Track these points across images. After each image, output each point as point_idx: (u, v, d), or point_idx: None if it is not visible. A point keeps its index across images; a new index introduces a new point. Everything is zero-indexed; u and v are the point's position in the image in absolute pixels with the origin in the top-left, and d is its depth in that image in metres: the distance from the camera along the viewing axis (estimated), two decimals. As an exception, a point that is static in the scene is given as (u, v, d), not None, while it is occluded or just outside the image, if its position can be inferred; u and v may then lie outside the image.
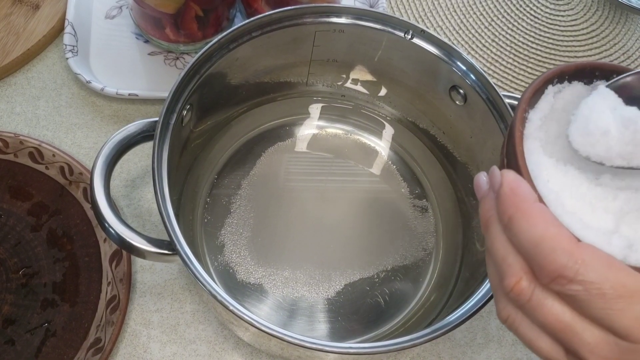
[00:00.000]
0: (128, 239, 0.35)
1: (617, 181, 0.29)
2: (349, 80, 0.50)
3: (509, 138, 0.29)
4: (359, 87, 0.51)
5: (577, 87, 0.31)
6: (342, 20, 0.44)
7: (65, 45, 0.53)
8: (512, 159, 0.28)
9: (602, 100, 0.28)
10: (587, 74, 0.31)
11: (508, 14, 0.64)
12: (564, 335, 0.25)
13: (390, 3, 0.64)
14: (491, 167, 0.28)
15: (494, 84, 0.41)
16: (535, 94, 0.30)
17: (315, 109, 0.52)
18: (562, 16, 0.64)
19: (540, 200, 0.27)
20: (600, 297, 0.23)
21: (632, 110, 0.28)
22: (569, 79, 0.31)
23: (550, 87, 0.30)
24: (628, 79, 0.30)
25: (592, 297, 0.23)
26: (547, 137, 0.30)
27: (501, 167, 0.28)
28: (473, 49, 0.61)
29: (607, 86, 0.29)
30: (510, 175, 0.26)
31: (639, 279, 0.24)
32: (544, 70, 0.60)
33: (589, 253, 0.24)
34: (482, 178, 0.28)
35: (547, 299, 0.25)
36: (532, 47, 0.62)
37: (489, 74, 0.60)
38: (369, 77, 0.49)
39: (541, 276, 0.25)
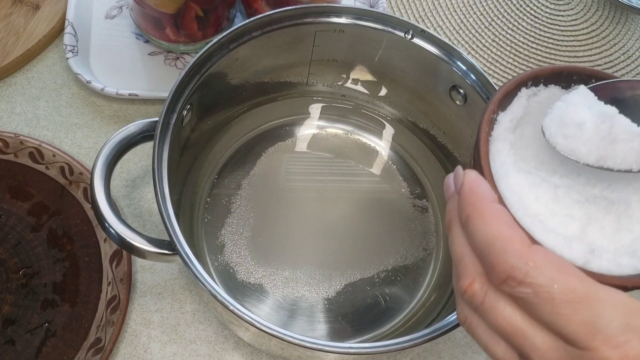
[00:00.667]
0: (128, 239, 0.35)
1: (589, 188, 0.29)
2: (349, 80, 0.50)
3: (476, 139, 0.28)
4: (359, 87, 0.51)
5: (554, 90, 0.31)
6: (342, 20, 0.44)
7: (66, 45, 0.53)
8: (476, 159, 0.28)
9: (580, 97, 0.28)
10: (565, 78, 0.30)
11: (508, 14, 0.64)
12: (516, 340, 0.24)
13: (390, 3, 0.64)
14: (456, 167, 0.28)
15: (494, 84, 0.41)
16: (506, 96, 0.30)
17: (315, 109, 0.52)
18: (562, 16, 0.64)
19: (501, 201, 0.26)
20: (549, 301, 0.23)
21: (610, 107, 0.27)
22: (544, 83, 0.30)
23: (524, 89, 0.30)
24: (611, 83, 0.30)
25: (541, 301, 0.23)
26: (521, 140, 0.30)
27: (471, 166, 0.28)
28: (473, 49, 0.61)
29: (588, 87, 0.29)
30: (471, 174, 0.26)
31: (590, 285, 0.23)
32: (544, 70, 0.60)
33: (541, 256, 0.23)
34: (450, 178, 0.28)
35: (499, 302, 0.24)
36: (532, 47, 0.62)
37: (489, 74, 0.60)
38: (369, 77, 0.49)
39: (492, 277, 0.24)
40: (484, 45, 0.62)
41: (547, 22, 0.63)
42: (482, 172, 0.27)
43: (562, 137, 0.27)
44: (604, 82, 0.30)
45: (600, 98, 0.28)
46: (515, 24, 0.63)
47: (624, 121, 0.27)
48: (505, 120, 0.30)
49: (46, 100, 0.53)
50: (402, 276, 0.46)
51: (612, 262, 0.26)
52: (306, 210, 0.48)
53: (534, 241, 0.25)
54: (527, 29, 0.63)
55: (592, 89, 0.29)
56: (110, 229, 0.35)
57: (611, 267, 0.26)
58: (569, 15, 0.64)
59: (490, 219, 0.25)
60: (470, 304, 0.26)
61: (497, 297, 0.24)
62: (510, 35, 0.62)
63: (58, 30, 0.56)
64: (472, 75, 0.42)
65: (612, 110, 0.27)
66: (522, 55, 0.61)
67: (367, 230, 0.47)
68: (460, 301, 0.26)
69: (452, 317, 0.34)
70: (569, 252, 0.26)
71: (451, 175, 0.28)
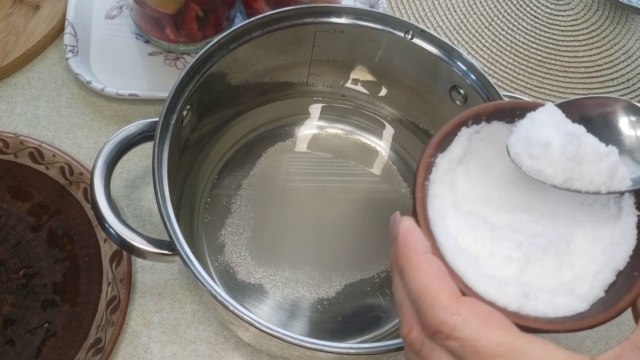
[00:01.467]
0: (128, 239, 0.35)
1: (532, 225, 0.29)
2: (349, 81, 0.50)
3: (412, 184, 0.28)
4: (359, 87, 0.51)
5: (497, 126, 0.30)
6: (342, 20, 0.44)
7: (66, 45, 0.53)
8: (413, 205, 0.28)
9: (547, 115, 0.28)
10: (507, 113, 0.30)
11: (508, 14, 0.64)
12: None
13: (390, 3, 0.64)
14: (394, 213, 0.28)
15: (494, 84, 0.41)
16: (445, 138, 0.29)
17: (315, 109, 0.52)
18: (562, 16, 0.64)
19: (436, 247, 0.27)
20: (475, 354, 0.23)
21: (577, 127, 0.27)
22: (487, 120, 0.30)
23: (464, 129, 0.29)
24: (578, 100, 0.29)
25: (468, 354, 0.23)
26: (465, 177, 0.30)
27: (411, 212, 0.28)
28: (473, 49, 0.61)
29: (555, 105, 0.28)
30: (405, 223, 0.26)
31: (516, 337, 0.23)
32: (544, 70, 0.60)
33: (467, 309, 0.24)
34: (391, 220, 0.28)
35: (434, 351, 0.25)
36: (532, 47, 0.62)
37: (489, 74, 0.60)
38: (369, 77, 0.49)
39: (424, 329, 0.25)
40: (484, 45, 0.62)
41: (547, 22, 0.63)
42: (417, 219, 0.27)
43: (528, 157, 0.27)
44: (571, 99, 0.29)
45: (568, 116, 0.28)
46: (515, 24, 0.63)
47: (591, 141, 0.26)
48: (444, 162, 0.29)
49: (46, 100, 0.53)
50: (402, 276, 0.46)
51: (548, 303, 0.26)
52: (306, 210, 0.48)
53: (466, 288, 0.26)
54: (527, 29, 0.63)
55: (560, 106, 0.28)
56: (110, 229, 0.35)
57: (546, 310, 0.26)
58: (569, 15, 0.64)
59: (420, 271, 0.25)
60: (410, 349, 0.26)
61: (432, 346, 0.25)
62: (510, 35, 0.62)
63: (58, 31, 0.56)
64: (472, 75, 0.42)
65: (580, 129, 0.27)
66: (522, 56, 0.61)
67: (367, 230, 0.47)
68: (404, 344, 0.27)
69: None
70: (503, 297, 0.26)
71: (393, 216, 0.28)
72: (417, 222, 0.27)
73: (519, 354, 0.23)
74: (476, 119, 0.30)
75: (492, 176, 0.30)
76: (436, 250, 0.27)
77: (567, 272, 0.28)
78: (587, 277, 0.27)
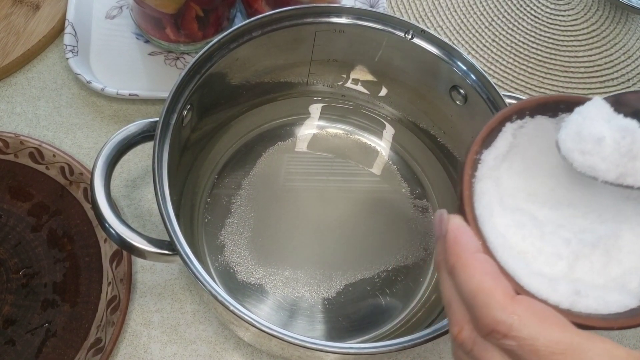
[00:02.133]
0: (128, 239, 0.35)
1: (579, 220, 0.28)
2: (350, 80, 0.50)
3: (459, 181, 0.28)
4: (360, 87, 0.51)
5: (541, 120, 0.30)
6: (343, 20, 0.44)
7: (66, 45, 0.53)
8: (460, 203, 0.28)
9: (596, 110, 0.27)
10: (551, 107, 0.30)
11: (508, 13, 0.64)
12: None
13: (390, 3, 0.64)
14: (440, 211, 0.27)
15: (494, 84, 0.41)
16: (490, 134, 0.29)
17: (315, 109, 0.52)
18: (562, 16, 0.64)
19: (486, 246, 0.26)
20: (534, 353, 0.23)
21: (630, 121, 0.26)
22: (530, 114, 0.30)
23: (508, 124, 0.29)
24: (624, 95, 0.29)
25: (526, 353, 0.23)
26: (509, 172, 0.29)
27: (456, 209, 0.28)
28: (473, 49, 0.61)
29: (603, 99, 0.28)
30: (455, 221, 0.26)
31: (574, 335, 0.23)
32: (544, 70, 0.60)
33: (524, 307, 0.24)
34: (437, 217, 0.28)
35: (487, 351, 0.25)
36: (532, 47, 0.62)
37: (489, 74, 0.60)
38: (369, 77, 0.49)
39: (478, 329, 0.25)
40: (484, 45, 0.62)
41: (547, 22, 0.63)
42: (465, 217, 0.27)
43: (580, 154, 0.26)
44: (616, 93, 0.29)
45: (615, 110, 0.27)
46: (515, 24, 0.63)
47: None
48: (489, 158, 0.29)
49: (46, 100, 0.53)
50: (402, 276, 0.46)
51: (599, 300, 0.26)
52: (306, 210, 0.48)
53: (518, 287, 0.25)
54: (527, 29, 0.63)
55: (608, 101, 0.28)
56: (111, 229, 0.35)
57: (598, 306, 0.25)
58: (569, 15, 0.64)
59: (473, 271, 0.25)
60: (461, 349, 0.26)
61: (485, 345, 0.25)
62: (510, 35, 0.62)
63: (58, 30, 0.56)
64: (472, 75, 0.42)
65: (633, 124, 0.26)
66: (522, 56, 0.61)
67: (367, 230, 0.47)
68: (454, 342, 0.27)
69: (453, 317, 0.34)
70: (554, 295, 0.26)
71: (438, 214, 0.28)
72: (466, 220, 0.27)
73: (579, 351, 0.23)
74: (520, 114, 0.29)
75: (536, 171, 0.30)
76: (486, 249, 0.26)
77: (615, 267, 0.27)
78: (636, 272, 0.27)
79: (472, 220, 0.27)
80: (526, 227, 0.28)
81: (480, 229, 0.27)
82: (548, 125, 0.30)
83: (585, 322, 0.25)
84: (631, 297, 0.26)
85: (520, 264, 0.26)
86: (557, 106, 0.30)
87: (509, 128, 0.29)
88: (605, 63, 0.62)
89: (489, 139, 0.29)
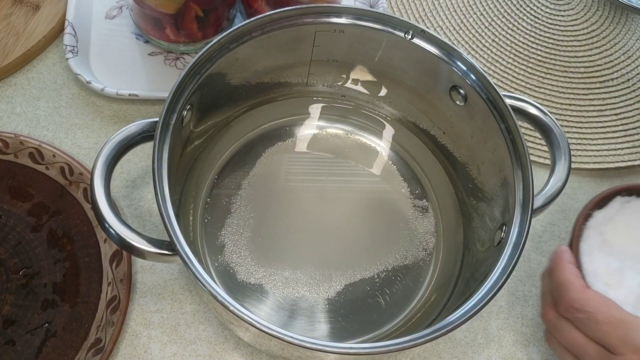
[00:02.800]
0: (128, 240, 0.35)
1: None
2: (349, 81, 0.50)
3: (573, 227, 0.42)
4: (359, 87, 0.51)
5: None
6: (342, 20, 0.44)
7: (66, 45, 0.53)
8: (571, 240, 0.42)
9: None
10: None
11: (508, 14, 0.64)
12: (577, 350, 0.37)
13: (390, 3, 0.64)
14: (559, 247, 0.41)
15: (494, 84, 0.41)
16: (603, 199, 0.43)
17: (315, 109, 0.52)
18: (562, 16, 0.64)
19: (580, 268, 0.40)
20: (596, 322, 0.36)
21: None
22: (637, 195, 0.44)
23: (618, 197, 0.43)
24: None
25: (590, 322, 0.36)
26: (613, 231, 0.42)
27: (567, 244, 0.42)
28: (473, 49, 0.61)
29: None
30: (562, 248, 0.41)
31: (625, 313, 0.35)
32: (544, 70, 0.60)
33: (593, 294, 0.37)
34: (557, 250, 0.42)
35: (564, 324, 0.38)
36: (532, 47, 0.62)
37: (489, 74, 0.60)
38: (369, 77, 0.49)
39: (559, 306, 0.38)
40: (484, 45, 0.62)
41: (547, 22, 0.63)
42: (572, 248, 0.41)
43: None
44: None
45: None
46: (515, 24, 0.63)
47: None
48: (599, 216, 0.43)
49: (46, 100, 0.53)
50: (402, 276, 0.46)
51: None
52: (306, 210, 0.48)
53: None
54: (527, 29, 0.63)
55: None
56: (110, 229, 0.35)
57: None
58: (569, 15, 0.64)
59: (563, 271, 0.39)
60: (548, 325, 0.40)
61: (564, 322, 0.38)
62: (510, 35, 0.62)
63: (58, 31, 0.56)
64: (472, 75, 0.42)
65: None
66: (522, 55, 0.61)
67: (367, 230, 0.47)
68: (545, 324, 0.41)
69: (453, 317, 0.34)
70: None
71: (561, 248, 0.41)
72: (572, 250, 0.41)
73: (628, 322, 0.35)
74: (629, 192, 0.44)
75: (632, 235, 0.42)
76: (580, 271, 0.40)
77: None
78: None
79: (575, 249, 0.41)
80: (611, 267, 0.41)
81: (580, 259, 0.41)
82: None
83: None
84: None
85: (601, 288, 0.40)
86: None
87: (619, 200, 0.43)
88: (605, 63, 0.62)
89: (601, 203, 0.43)
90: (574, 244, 0.41)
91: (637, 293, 0.40)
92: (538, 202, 0.38)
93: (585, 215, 0.42)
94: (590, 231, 0.42)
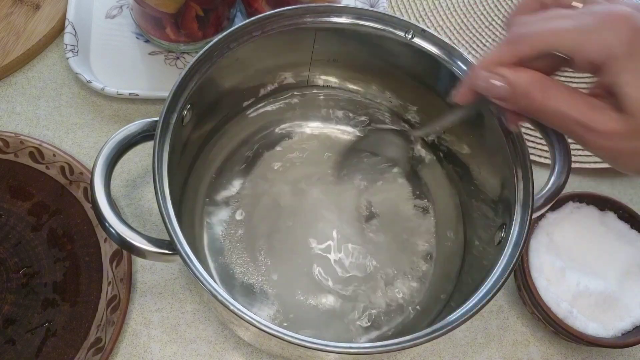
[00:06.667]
0: (128, 239, 0.35)
1: (594, 276, 0.45)
2: (349, 81, 0.50)
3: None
4: (359, 87, 0.51)
5: (592, 209, 0.48)
6: (343, 20, 0.43)
7: (66, 45, 0.53)
8: (524, 240, 0.41)
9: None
10: (601, 202, 0.47)
11: (508, 13, 0.64)
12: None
13: (390, 3, 0.64)
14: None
15: (495, 83, 0.41)
16: (558, 202, 0.46)
17: (315, 108, 0.52)
18: (563, 16, 0.64)
19: (527, 264, 0.45)
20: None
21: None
22: (586, 203, 0.47)
23: (570, 202, 0.47)
24: None
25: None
26: (561, 233, 0.46)
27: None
28: (473, 49, 0.61)
29: None
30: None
31: None
32: (545, 70, 0.60)
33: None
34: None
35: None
36: (533, 47, 0.62)
37: (490, 74, 0.60)
38: (369, 77, 0.49)
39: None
40: (484, 45, 0.62)
41: (547, 22, 0.63)
42: (524, 245, 0.39)
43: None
44: None
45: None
46: (516, 23, 0.63)
47: None
48: (551, 217, 0.47)
49: (46, 100, 0.53)
50: (402, 276, 0.46)
51: (583, 325, 0.43)
52: (306, 210, 0.47)
53: (537, 295, 0.44)
54: (527, 28, 0.63)
55: None
56: (111, 229, 0.35)
57: (579, 328, 0.43)
58: (569, 15, 0.64)
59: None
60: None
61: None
62: (510, 35, 0.62)
63: (58, 30, 0.56)
64: (472, 75, 0.42)
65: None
66: (522, 55, 0.61)
67: (367, 230, 0.47)
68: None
69: (453, 317, 0.34)
70: (556, 309, 0.43)
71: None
72: (524, 249, 0.42)
73: None
74: (580, 199, 0.47)
75: (577, 238, 0.46)
76: (527, 265, 0.44)
77: (601, 315, 0.43)
78: (614, 328, 0.43)
79: (525, 250, 0.45)
80: (556, 265, 0.44)
81: (528, 254, 0.45)
82: (594, 214, 0.47)
83: (568, 330, 0.43)
84: (606, 332, 0.43)
85: (543, 283, 0.44)
86: (606, 203, 0.47)
87: (570, 205, 0.47)
88: (605, 63, 0.61)
89: (556, 205, 0.46)
90: (526, 243, 0.41)
91: (575, 291, 0.43)
92: (538, 202, 0.38)
93: (537, 218, 0.45)
94: (540, 230, 0.46)
